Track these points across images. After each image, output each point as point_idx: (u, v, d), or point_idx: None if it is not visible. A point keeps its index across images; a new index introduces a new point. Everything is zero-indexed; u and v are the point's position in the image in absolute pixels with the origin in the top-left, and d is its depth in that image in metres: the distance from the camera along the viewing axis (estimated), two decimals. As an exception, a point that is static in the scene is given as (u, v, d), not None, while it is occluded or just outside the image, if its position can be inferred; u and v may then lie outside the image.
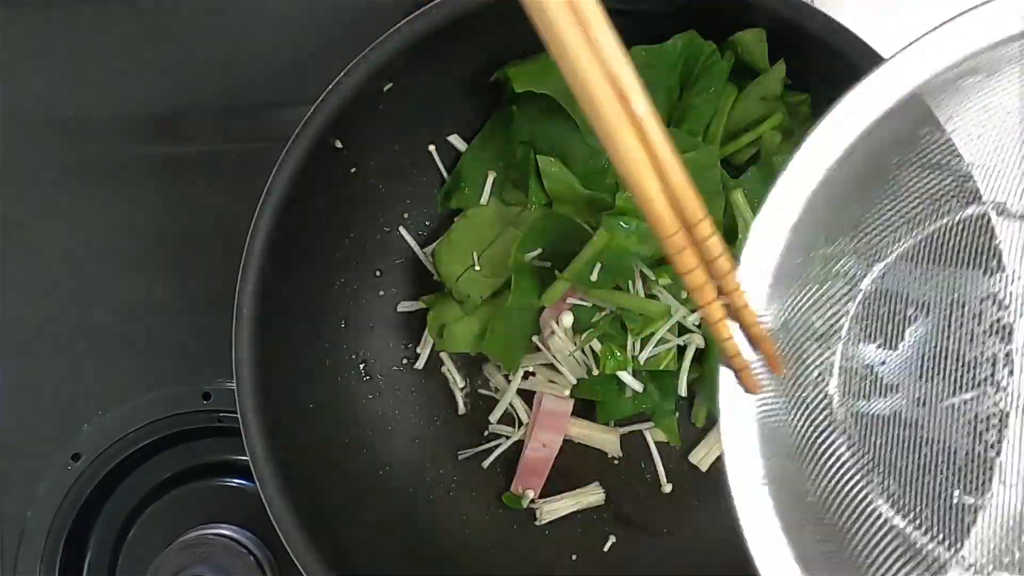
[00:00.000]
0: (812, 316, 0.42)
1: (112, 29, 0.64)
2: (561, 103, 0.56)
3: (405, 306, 0.62)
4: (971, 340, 0.43)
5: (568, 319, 0.57)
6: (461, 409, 0.62)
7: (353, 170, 0.57)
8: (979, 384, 0.43)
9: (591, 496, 0.61)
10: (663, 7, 0.52)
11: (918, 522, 0.42)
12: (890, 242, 0.42)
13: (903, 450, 0.43)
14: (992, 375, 0.42)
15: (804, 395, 0.42)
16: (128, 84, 0.64)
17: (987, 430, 0.43)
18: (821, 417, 0.43)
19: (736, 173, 0.56)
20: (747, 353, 0.39)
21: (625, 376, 0.57)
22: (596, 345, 0.57)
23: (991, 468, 0.43)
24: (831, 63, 0.51)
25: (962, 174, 0.43)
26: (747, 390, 0.43)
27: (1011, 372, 0.42)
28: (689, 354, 0.58)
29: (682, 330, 0.58)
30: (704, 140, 0.56)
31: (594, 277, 0.55)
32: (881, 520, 0.42)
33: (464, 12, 0.50)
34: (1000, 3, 0.37)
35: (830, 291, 0.42)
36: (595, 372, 0.58)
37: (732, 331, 0.39)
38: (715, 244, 0.39)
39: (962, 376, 0.43)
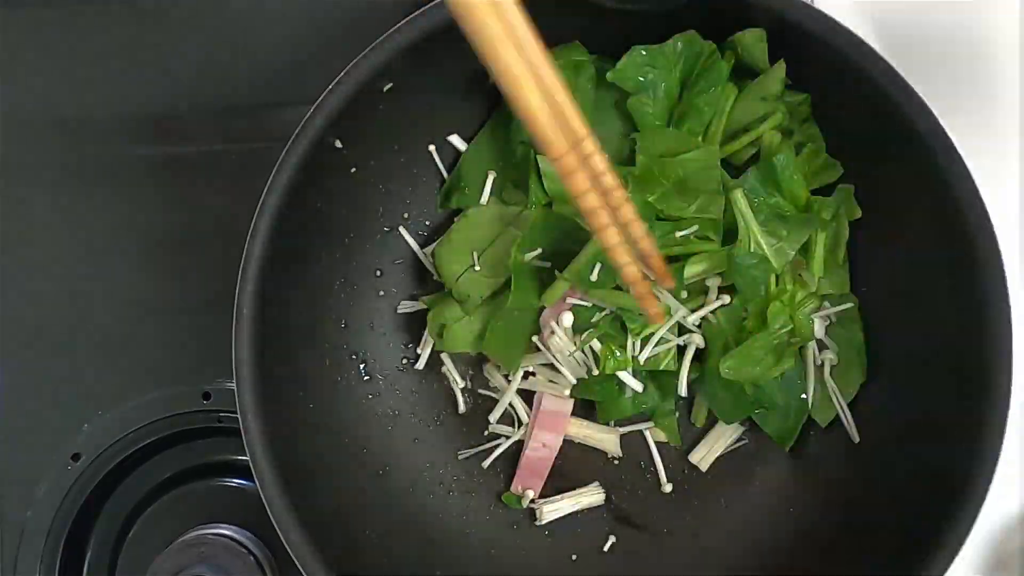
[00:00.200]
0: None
1: (112, 29, 0.64)
2: None
3: (405, 307, 0.62)
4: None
5: (568, 319, 0.57)
6: (461, 408, 0.62)
7: (353, 170, 0.57)
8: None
9: (591, 496, 0.61)
10: (664, 7, 0.52)
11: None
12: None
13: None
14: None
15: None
16: (128, 84, 0.64)
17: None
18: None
19: (736, 173, 0.57)
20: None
21: (625, 376, 0.57)
22: (596, 345, 0.57)
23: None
24: (831, 63, 0.51)
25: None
26: (650, 319, 0.51)
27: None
28: (689, 354, 0.58)
29: (682, 330, 0.58)
30: (704, 140, 0.56)
31: (594, 277, 0.55)
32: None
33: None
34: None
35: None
36: (595, 372, 0.58)
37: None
38: (599, 162, 0.41)
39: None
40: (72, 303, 0.63)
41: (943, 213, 0.50)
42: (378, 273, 0.62)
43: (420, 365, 0.62)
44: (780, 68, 0.54)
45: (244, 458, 0.51)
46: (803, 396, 0.58)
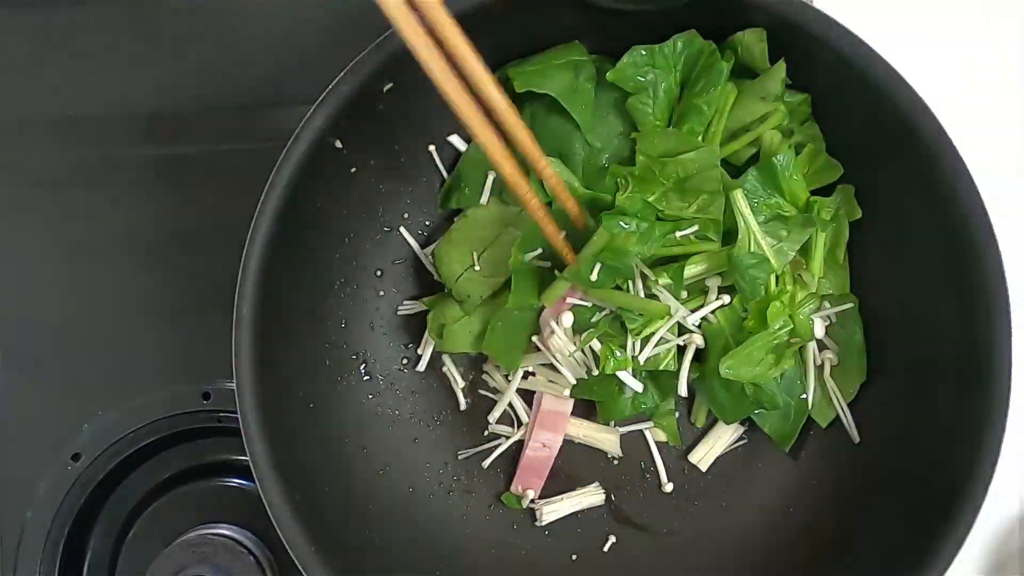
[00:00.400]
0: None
1: (112, 29, 0.64)
2: (562, 102, 0.55)
3: (405, 308, 0.62)
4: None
5: (568, 319, 0.57)
6: (462, 405, 0.62)
7: (353, 170, 0.57)
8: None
9: (591, 496, 0.61)
10: (664, 6, 0.52)
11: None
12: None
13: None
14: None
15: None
16: (128, 84, 0.64)
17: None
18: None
19: (736, 173, 0.56)
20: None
21: (625, 376, 0.57)
22: (596, 345, 0.57)
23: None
24: (831, 63, 0.51)
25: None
26: (565, 262, 0.55)
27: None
28: (689, 354, 0.58)
29: (682, 330, 0.58)
30: (704, 140, 0.56)
31: (594, 277, 0.55)
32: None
33: (465, 12, 0.50)
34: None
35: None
36: (595, 372, 0.58)
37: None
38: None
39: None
40: (72, 303, 0.63)
41: (943, 212, 0.50)
42: (378, 273, 0.61)
43: (421, 367, 0.62)
44: (780, 68, 0.54)
45: (244, 458, 0.51)
46: (803, 396, 0.58)
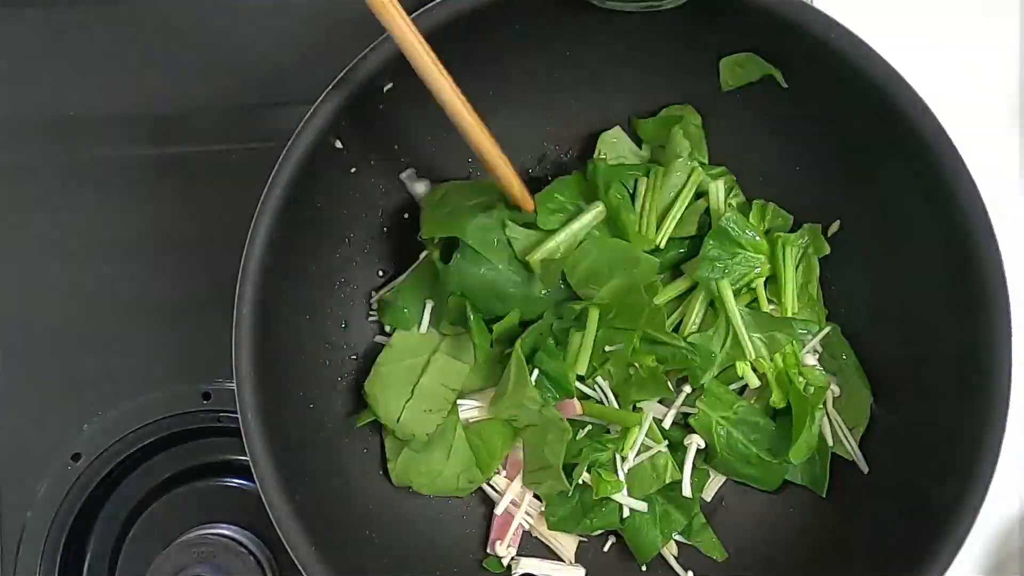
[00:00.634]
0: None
1: (112, 29, 0.64)
2: (473, 247, 0.55)
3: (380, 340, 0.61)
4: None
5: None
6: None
7: (353, 170, 0.57)
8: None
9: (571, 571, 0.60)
10: (664, 7, 0.52)
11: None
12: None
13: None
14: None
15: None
16: (128, 84, 0.64)
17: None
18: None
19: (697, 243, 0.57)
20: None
21: (622, 498, 0.57)
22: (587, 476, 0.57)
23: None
24: (831, 63, 0.51)
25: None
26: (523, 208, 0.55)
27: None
28: (690, 456, 0.57)
29: (670, 435, 0.58)
30: (658, 232, 0.57)
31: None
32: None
33: (465, 12, 0.50)
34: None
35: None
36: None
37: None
38: None
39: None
40: (72, 303, 0.63)
41: (943, 212, 0.50)
42: (380, 274, 0.61)
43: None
44: (677, 136, 0.56)
45: (244, 458, 0.51)
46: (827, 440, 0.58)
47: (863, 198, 0.57)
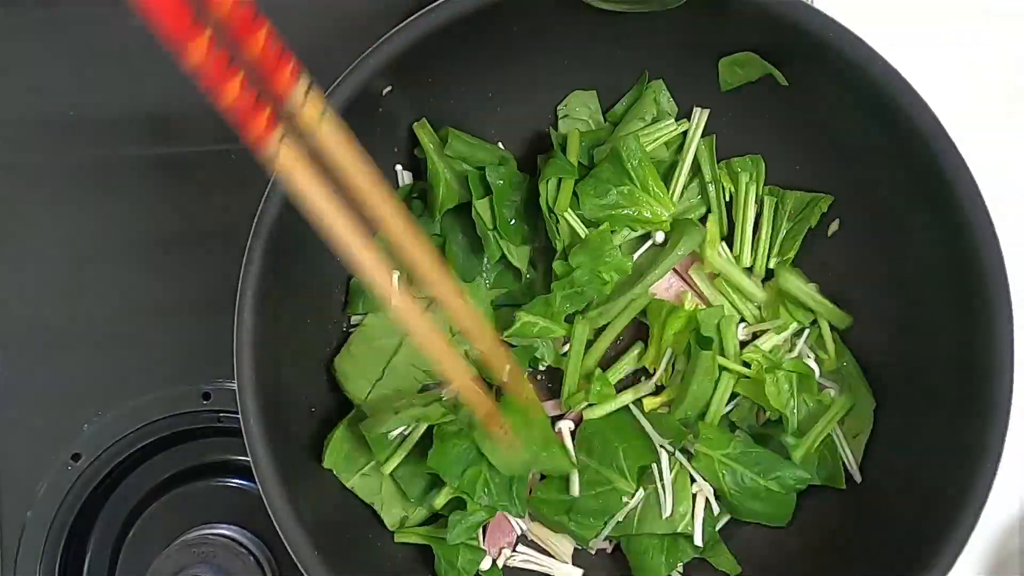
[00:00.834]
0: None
1: (112, 29, 0.64)
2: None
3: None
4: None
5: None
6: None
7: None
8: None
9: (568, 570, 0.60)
10: (663, 7, 0.52)
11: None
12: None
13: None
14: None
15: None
16: (128, 84, 0.64)
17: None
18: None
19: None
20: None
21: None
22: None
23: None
24: (831, 63, 0.51)
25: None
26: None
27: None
28: (700, 504, 0.57)
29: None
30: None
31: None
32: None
33: (464, 14, 0.50)
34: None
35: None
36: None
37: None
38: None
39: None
40: (72, 303, 0.63)
41: (943, 212, 0.50)
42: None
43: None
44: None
45: (244, 458, 0.51)
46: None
47: (863, 198, 0.57)
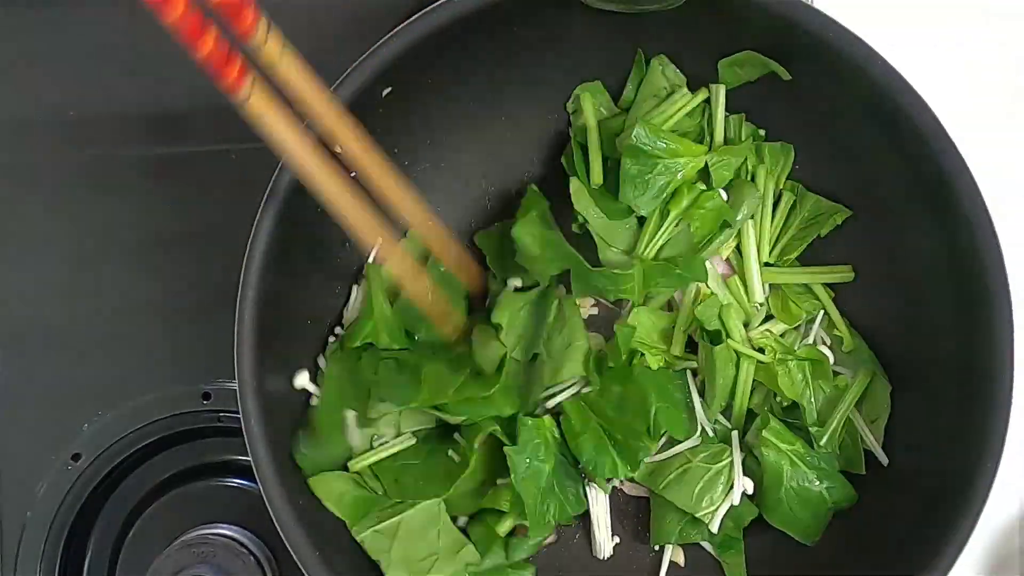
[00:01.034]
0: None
1: (112, 29, 0.64)
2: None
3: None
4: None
5: None
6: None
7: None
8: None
9: None
10: (663, 7, 0.52)
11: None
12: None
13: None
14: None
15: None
16: (128, 84, 0.64)
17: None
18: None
19: None
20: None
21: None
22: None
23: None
24: (831, 63, 0.51)
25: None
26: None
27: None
28: (737, 496, 0.56)
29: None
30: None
31: None
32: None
33: (464, 15, 0.50)
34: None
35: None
36: None
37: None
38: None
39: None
40: (72, 303, 0.63)
41: (943, 212, 0.50)
42: (379, 273, 0.61)
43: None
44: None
45: (244, 458, 0.51)
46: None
47: (863, 198, 0.57)
